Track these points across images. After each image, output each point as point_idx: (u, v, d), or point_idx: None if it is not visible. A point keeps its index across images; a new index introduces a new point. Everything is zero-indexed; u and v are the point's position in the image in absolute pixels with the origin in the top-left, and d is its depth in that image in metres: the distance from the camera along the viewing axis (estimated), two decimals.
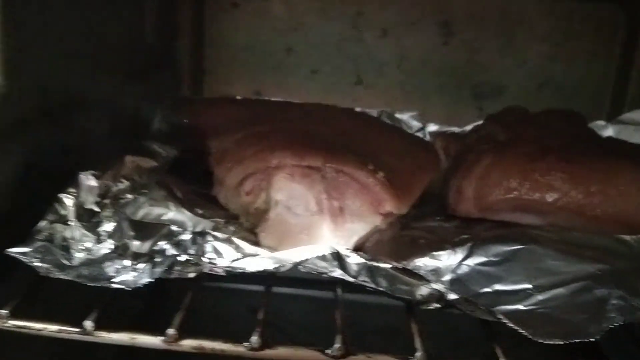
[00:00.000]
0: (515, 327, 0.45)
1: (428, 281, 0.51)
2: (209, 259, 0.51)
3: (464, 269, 0.56)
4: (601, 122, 0.94)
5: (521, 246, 0.56)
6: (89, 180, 0.58)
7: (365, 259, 0.51)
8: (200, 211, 0.61)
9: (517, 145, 0.66)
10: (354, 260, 0.50)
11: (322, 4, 1.05)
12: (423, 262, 0.57)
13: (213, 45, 1.08)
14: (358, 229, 0.56)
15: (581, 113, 0.84)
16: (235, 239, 0.55)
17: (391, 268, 0.50)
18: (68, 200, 0.56)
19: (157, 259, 0.51)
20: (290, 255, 0.50)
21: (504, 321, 0.46)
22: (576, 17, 1.05)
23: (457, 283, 0.54)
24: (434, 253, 0.57)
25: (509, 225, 0.65)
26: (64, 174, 0.59)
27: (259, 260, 0.50)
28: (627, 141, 0.76)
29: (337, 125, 0.69)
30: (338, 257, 0.50)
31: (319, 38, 1.07)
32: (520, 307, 0.50)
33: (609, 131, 0.93)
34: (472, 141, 0.73)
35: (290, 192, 0.57)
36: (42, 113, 0.60)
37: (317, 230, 0.56)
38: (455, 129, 0.99)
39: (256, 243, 0.58)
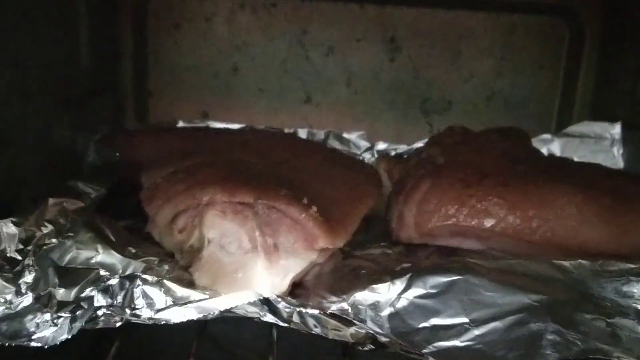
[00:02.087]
0: None
1: (355, 323, 0.49)
2: (132, 309, 0.49)
3: (402, 302, 0.55)
4: (547, 136, 0.95)
5: (457, 277, 0.55)
6: (8, 227, 0.55)
7: (294, 305, 0.49)
8: (132, 250, 0.59)
9: (454, 170, 0.66)
10: (284, 305, 0.49)
11: (265, 23, 1.04)
12: (363, 296, 0.55)
13: (157, 67, 1.06)
14: (293, 266, 0.54)
15: (523, 130, 0.85)
16: (166, 282, 0.53)
17: (319, 313, 0.49)
18: None
19: (79, 312, 0.49)
20: (217, 304, 0.48)
21: None
22: (520, 31, 1.05)
23: (396, 317, 0.53)
24: (374, 286, 0.56)
25: (451, 251, 0.65)
26: None
27: (183, 310, 0.48)
28: (567, 158, 0.76)
29: (272, 155, 0.67)
30: (267, 302, 0.49)
31: (264, 57, 1.06)
32: (457, 343, 0.49)
33: (555, 145, 0.94)
34: (413, 165, 0.72)
35: (222, 230, 0.55)
36: None
37: (251, 268, 0.54)
38: (404, 147, 0.99)
39: (191, 282, 0.56)
